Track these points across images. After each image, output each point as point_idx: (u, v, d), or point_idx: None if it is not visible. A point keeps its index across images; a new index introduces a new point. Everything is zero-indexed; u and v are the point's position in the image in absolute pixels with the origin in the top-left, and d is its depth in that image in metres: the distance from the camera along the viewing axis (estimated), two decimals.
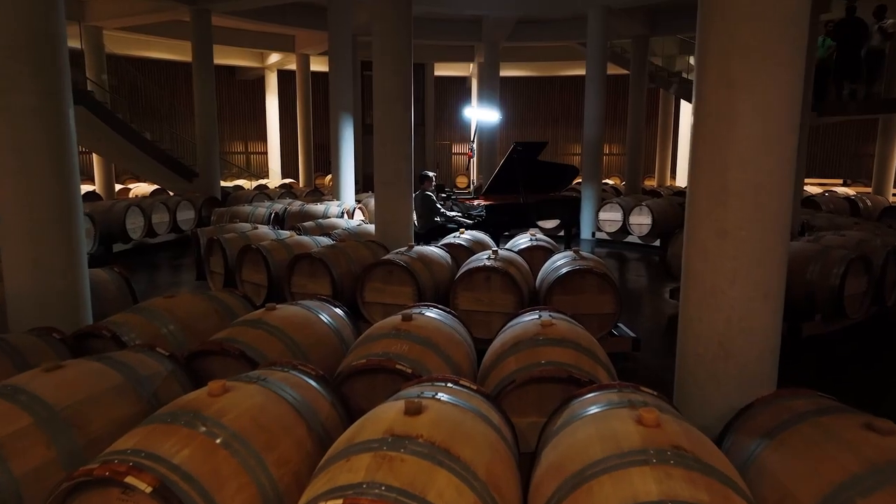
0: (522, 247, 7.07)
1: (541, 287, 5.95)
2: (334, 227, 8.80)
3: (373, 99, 7.28)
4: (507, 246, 7.57)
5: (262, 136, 24.65)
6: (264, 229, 8.23)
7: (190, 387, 3.02)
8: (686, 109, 22.39)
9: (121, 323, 3.65)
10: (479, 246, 7.25)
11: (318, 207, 11.06)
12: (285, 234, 7.99)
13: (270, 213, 10.67)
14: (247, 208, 10.87)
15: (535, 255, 6.93)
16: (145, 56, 20.32)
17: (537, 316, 3.65)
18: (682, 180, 22.83)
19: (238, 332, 3.47)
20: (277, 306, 3.82)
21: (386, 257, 6.10)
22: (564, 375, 2.94)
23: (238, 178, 22.94)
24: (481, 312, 5.76)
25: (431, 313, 3.77)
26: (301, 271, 6.45)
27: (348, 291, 6.31)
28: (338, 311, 4.15)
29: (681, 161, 22.96)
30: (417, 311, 3.76)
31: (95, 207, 11.50)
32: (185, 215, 13.12)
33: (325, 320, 3.88)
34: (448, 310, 4.09)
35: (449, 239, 7.39)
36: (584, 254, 6.15)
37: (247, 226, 8.38)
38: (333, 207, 11.11)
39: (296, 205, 11.66)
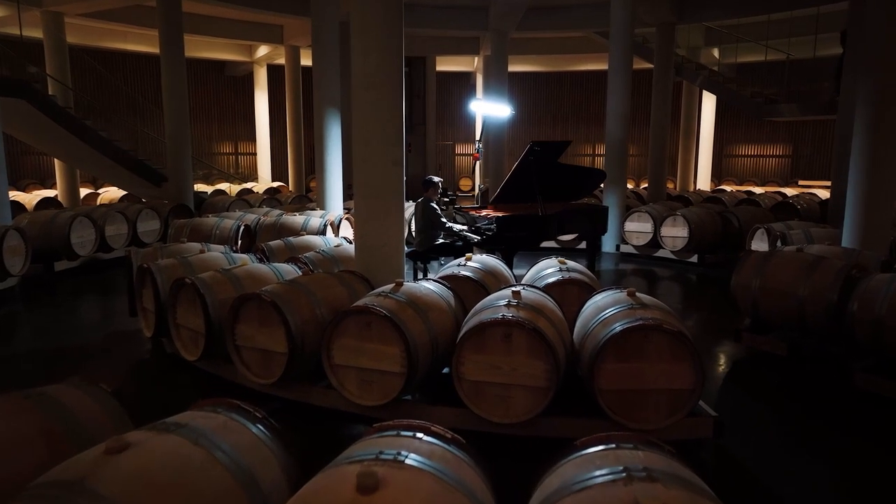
0: (550, 280, 5.29)
1: (582, 347, 4.18)
2: (308, 247, 7.04)
3: (350, 82, 5.51)
4: (527, 278, 5.80)
5: (253, 136, 22.97)
6: (217, 251, 6.48)
7: None
8: (709, 106, 20.53)
9: None
10: (491, 278, 5.48)
11: (297, 219, 9.29)
12: (244, 258, 6.25)
13: (239, 227, 8.91)
14: (211, 220, 9.12)
15: (568, 294, 5.17)
16: (122, 49, 18.57)
17: (620, 471, 1.88)
18: (702, 184, 20.97)
19: None
20: (131, 441, 2.05)
21: (362, 302, 4.35)
22: None
23: (227, 181, 21.19)
24: (498, 385, 4.00)
25: (417, 460, 1.99)
26: (248, 317, 4.70)
27: (312, 346, 4.57)
28: (256, 430, 2.39)
29: (702, 163, 21.09)
30: (392, 454, 1.99)
31: (35, 218, 9.77)
32: (149, 226, 11.41)
33: (223, 460, 2.11)
34: (452, 439, 2.30)
35: (452, 268, 5.60)
36: (641, 296, 4.37)
37: (195, 246, 6.62)
38: (315, 219, 9.34)
39: (273, 215, 9.90)
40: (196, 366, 5.33)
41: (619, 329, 3.84)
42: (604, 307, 4.26)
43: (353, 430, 4.45)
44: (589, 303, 4.67)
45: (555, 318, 4.26)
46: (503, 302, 4.20)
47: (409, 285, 4.68)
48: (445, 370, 4.56)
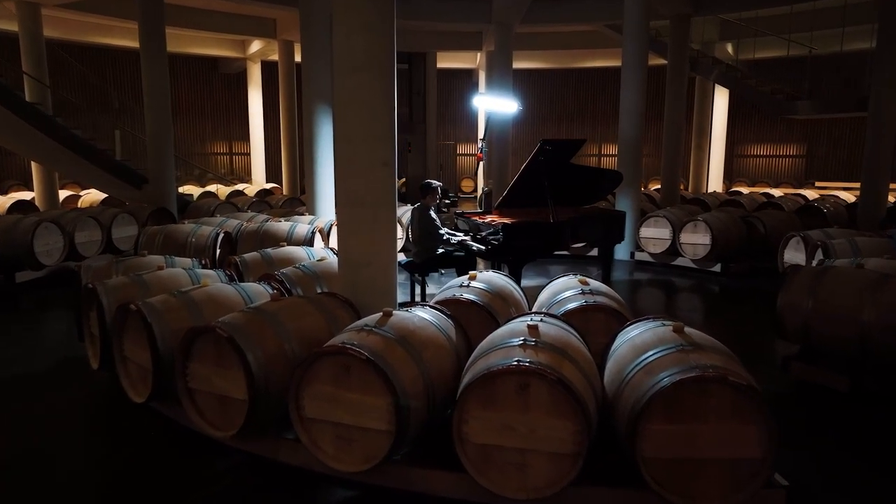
0: (570, 306, 4.39)
1: (618, 398, 3.30)
2: (288, 260, 6.16)
3: (332, 68, 4.65)
4: (542, 302, 4.90)
5: (247, 136, 22.09)
6: (182, 266, 5.61)
7: None
8: (721, 104, 19.53)
9: None
10: (500, 303, 4.59)
11: (283, 226, 8.41)
12: (208, 275, 5.38)
13: (217, 234, 8.04)
14: (187, 227, 8.23)
15: (593, 322, 4.28)
16: (109, 44, 17.69)
17: None
18: (714, 185, 19.99)
19: None
20: None
21: (339, 340, 3.47)
22: None
23: (219, 182, 20.31)
24: (512, 450, 3.13)
25: None
26: (203, 354, 3.83)
27: (280, 389, 3.70)
28: None
29: (714, 163, 20.10)
30: None
31: None
32: (126, 232, 10.53)
33: None
34: None
35: (453, 290, 4.72)
36: (691, 332, 3.49)
37: (156, 260, 5.74)
38: (302, 226, 8.46)
39: (257, 221, 9.03)
40: (152, 406, 4.47)
41: (668, 381, 2.97)
42: (644, 347, 3.38)
43: (332, 496, 3.58)
44: (622, 337, 3.79)
45: (582, 360, 3.38)
46: (517, 341, 3.32)
47: (399, 316, 3.80)
48: (449, 411, 3.70)
